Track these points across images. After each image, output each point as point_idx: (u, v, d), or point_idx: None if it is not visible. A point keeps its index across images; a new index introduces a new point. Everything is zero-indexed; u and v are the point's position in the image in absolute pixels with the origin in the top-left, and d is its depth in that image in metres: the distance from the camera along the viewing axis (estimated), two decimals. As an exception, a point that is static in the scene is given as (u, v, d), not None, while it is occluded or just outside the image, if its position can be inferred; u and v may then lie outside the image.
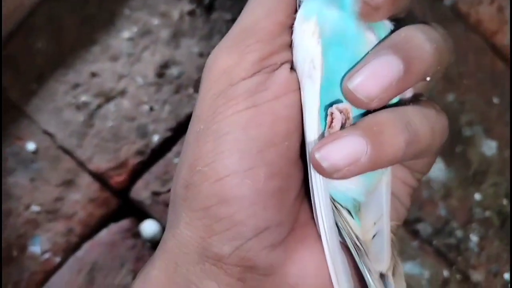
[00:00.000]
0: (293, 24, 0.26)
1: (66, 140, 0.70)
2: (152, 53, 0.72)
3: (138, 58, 0.72)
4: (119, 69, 0.72)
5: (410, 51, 0.24)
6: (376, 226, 0.27)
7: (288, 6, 0.26)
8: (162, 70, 0.72)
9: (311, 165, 0.25)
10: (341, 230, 0.27)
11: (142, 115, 0.71)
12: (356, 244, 0.26)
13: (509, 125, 0.74)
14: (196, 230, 0.25)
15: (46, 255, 0.68)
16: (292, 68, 0.26)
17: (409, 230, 0.71)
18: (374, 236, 0.27)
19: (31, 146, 0.70)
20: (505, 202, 0.73)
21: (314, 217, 0.26)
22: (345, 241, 0.27)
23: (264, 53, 0.26)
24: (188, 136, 0.26)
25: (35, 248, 0.68)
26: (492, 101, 0.75)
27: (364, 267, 0.26)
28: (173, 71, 0.72)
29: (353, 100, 0.24)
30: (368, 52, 0.25)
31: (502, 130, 0.74)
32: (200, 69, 0.73)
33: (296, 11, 0.26)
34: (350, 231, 0.27)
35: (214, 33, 0.74)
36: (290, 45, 0.26)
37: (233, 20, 0.75)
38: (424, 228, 0.71)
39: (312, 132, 0.25)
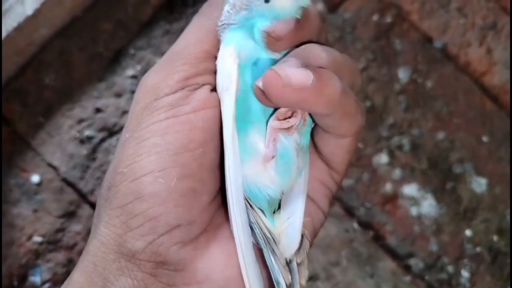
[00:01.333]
0: (217, 53, 0.29)
1: (70, 172, 0.71)
2: (155, 90, 0.74)
3: (141, 94, 0.74)
4: (123, 105, 0.73)
5: (309, 57, 0.28)
6: (289, 220, 0.29)
7: (215, 39, 0.29)
8: (163, 106, 0.74)
9: (228, 165, 0.28)
10: (253, 226, 0.28)
11: (143, 149, 0.72)
12: (266, 234, 0.28)
13: (498, 163, 0.75)
14: (114, 228, 0.27)
15: (46, 286, 0.68)
16: (213, 90, 0.29)
17: (401, 265, 0.71)
18: (286, 228, 0.29)
19: (35, 178, 0.70)
20: (495, 238, 0.72)
21: (229, 216, 0.28)
22: (258, 238, 0.28)
23: (188, 73, 0.28)
24: (117, 146, 0.28)
25: (35, 279, 0.67)
26: (481, 139, 0.75)
27: (269, 254, 0.28)
28: (174, 107, 0.74)
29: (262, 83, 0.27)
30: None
31: (492, 167, 0.74)
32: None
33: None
34: (263, 226, 0.28)
35: (214, 72, 0.75)
36: (214, 71, 0.29)
37: (232, 60, 0.77)
38: (416, 263, 0.71)
39: (228, 137, 0.28)
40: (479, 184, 0.73)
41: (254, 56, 0.29)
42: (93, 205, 0.70)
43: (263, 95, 0.27)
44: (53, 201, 0.70)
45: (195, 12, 0.76)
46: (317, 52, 0.28)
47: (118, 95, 0.73)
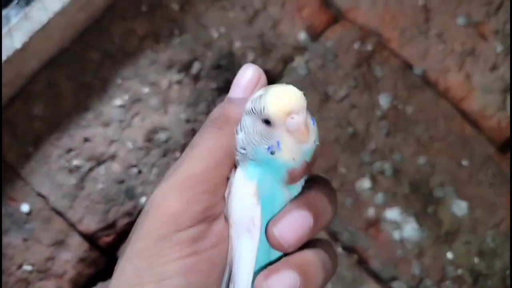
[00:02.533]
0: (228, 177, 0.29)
1: (59, 202, 0.71)
2: (142, 119, 0.75)
3: (128, 124, 0.75)
4: (111, 134, 0.74)
5: (318, 208, 0.30)
6: None
7: (232, 162, 0.29)
8: (151, 135, 0.74)
9: None
10: None
11: (131, 178, 0.73)
12: None
13: (478, 186, 0.76)
14: None
15: (35, 314, 0.68)
16: (225, 218, 0.29)
17: (384, 289, 0.72)
18: None
19: (25, 207, 0.71)
20: (476, 260, 0.73)
21: None
22: None
23: (209, 204, 0.28)
24: (124, 266, 0.28)
25: (25, 308, 0.68)
26: (461, 163, 0.76)
27: None
28: (161, 136, 0.75)
29: (276, 244, 0.29)
30: (286, 205, 0.30)
31: (472, 190, 0.76)
32: (187, 134, 0.76)
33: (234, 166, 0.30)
34: None
35: (200, 101, 0.76)
36: (224, 196, 0.29)
37: (218, 89, 0.78)
38: (399, 286, 0.72)
39: (243, 282, 0.28)
40: (460, 207, 0.75)
41: (272, 194, 0.29)
42: (81, 234, 0.70)
43: None
44: (43, 230, 0.71)
45: (182, 42, 0.77)
46: (325, 205, 0.30)
47: (106, 124, 0.74)
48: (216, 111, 0.31)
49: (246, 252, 0.28)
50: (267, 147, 0.28)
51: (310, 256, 0.29)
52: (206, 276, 0.27)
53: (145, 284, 0.27)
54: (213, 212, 0.28)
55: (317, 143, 0.29)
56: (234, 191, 0.29)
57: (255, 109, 0.29)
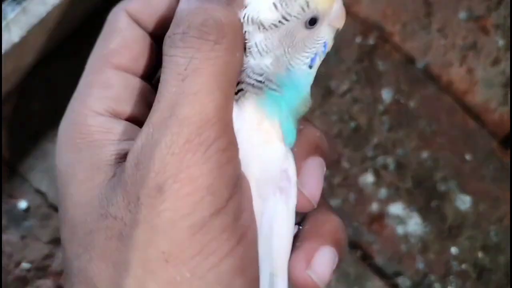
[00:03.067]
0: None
1: (57, 198, 0.70)
2: (142, 114, 0.74)
3: (128, 119, 0.74)
4: (110, 130, 0.73)
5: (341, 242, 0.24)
6: None
7: (232, 98, 0.21)
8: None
9: None
10: None
11: (131, 174, 0.71)
12: None
13: (482, 180, 0.75)
14: None
15: (34, 313, 0.67)
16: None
17: (389, 284, 0.71)
18: None
19: (23, 204, 0.70)
20: (480, 255, 0.73)
21: None
22: None
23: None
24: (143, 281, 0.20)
25: (24, 306, 0.67)
26: (464, 157, 0.76)
27: None
28: (161, 131, 0.73)
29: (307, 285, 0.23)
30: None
31: (476, 185, 0.75)
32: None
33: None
34: None
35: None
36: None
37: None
38: (403, 282, 0.71)
39: (281, 263, 0.22)
40: (463, 202, 0.74)
41: (290, 137, 0.23)
42: (81, 231, 0.69)
43: None
44: (41, 227, 0.69)
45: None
46: (344, 237, 0.25)
47: (105, 119, 0.73)
48: (192, 14, 0.21)
49: (281, 218, 0.21)
50: (309, 59, 0.23)
51: (333, 219, 0.24)
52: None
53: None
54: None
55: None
56: (250, 137, 0.21)
57: (290, 15, 0.22)
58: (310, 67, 0.24)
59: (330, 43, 0.25)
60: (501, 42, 0.80)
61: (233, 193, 0.21)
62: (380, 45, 0.78)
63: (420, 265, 0.71)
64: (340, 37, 0.78)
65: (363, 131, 0.75)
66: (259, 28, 0.22)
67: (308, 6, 0.22)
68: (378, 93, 0.77)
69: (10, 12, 0.71)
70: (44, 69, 0.74)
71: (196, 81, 0.21)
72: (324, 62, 0.80)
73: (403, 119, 0.76)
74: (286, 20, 0.22)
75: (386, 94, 0.77)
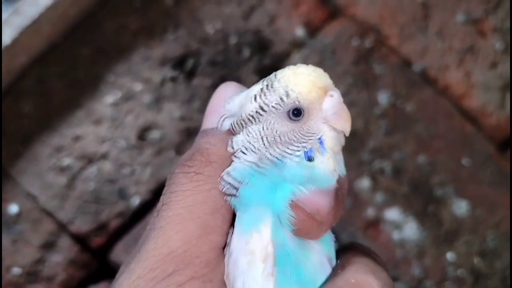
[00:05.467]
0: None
1: (49, 202, 0.69)
2: (135, 117, 0.72)
3: (121, 122, 0.72)
4: (103, 133, 0.72)
5: None
6: None
7: (225, 220, 0.19)
8: (144, 134, 0.72)
9: None
10: None
11: (123, 178, 0.70)
12: None
13: (478, 185, 0.74)
14: None
15: (25, 319, 0.65)
16: None
17: (384, 290, 0.70)
18: None
19: (14, 208, 0.68)
20: (476, 260, 0.72)
21: None
22: None
23: None
24: None
25: (14, 312, 0.65)
26: (461, 162, 0.75)
27: None
28: (155, 134, 0.72)
29: None
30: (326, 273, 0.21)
31: (473, 190, 0.74)
32: (181, 132, 0.73)
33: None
34: None
35: (195, 98, 0.74)
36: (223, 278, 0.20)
37: (213, 86, 0.76)
38: (399, 287, 0.70)
39: None
40: (460, 207, 0.73)
41: (297, 250, 0.20)
42: (72, 235, 0.68)
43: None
44: (32, 231, 0.68)
45: (176, 38, 0.75)
46: None
47: (98, 122, 0.72)
48: (187, 153, 0.21)
49: None
50: (300, 152, 0.20)
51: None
52: None
53: None
54: None
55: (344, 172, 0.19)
56: (237, 259, 0.19)
57: (268, 105, 0.20)
58: (310, 159, 0.20)
59: (330, 141, 0.20)
60: (498, 45, 0.79)
61: None
62: (377, 48, 0.77)
63: (416, 270, 0.70)
64: (336, 40, 0.77)
65: (360, 135, 0.74)
66: (242, 125, 0.21)
67: (287, 96, 0.20)
68: (375, 96, 0.75)
69: (3, 12, 0.70)
70: (37, 71, 0.73)
71: (164, 215, 0.20)
72: (319, 65, 0.79)
73: (399, 123, 0.75)
74: (264, 110, 0.20)
75: (383, 98, 0.76)
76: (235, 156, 0.21)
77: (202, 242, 0.19)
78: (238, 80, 0.73)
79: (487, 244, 0.72)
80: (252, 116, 0.20)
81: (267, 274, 0.19)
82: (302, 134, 0.20)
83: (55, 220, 0.68)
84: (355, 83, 0.76)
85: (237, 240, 0.20)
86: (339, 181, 0.21)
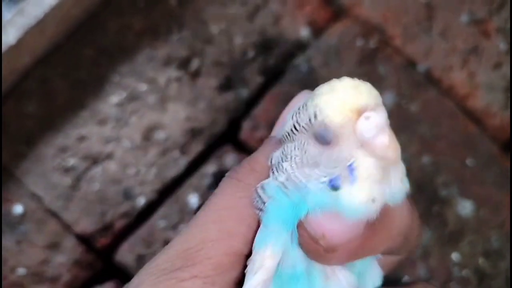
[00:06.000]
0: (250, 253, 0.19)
1: (53, 203, 0.69)
2: (140, 117, 0.72)
3: (126, 122, 0.72)
4: (107, 133, 0.72)
5: None
6: None
7: (252, 227, 0.19)
8: (149, 134, 0.72)
9: None
10: None
11: (128, 178, 0.70)
12: None
13: (483, 185, 0.74)
14: None
15: (30, 319, 0.65)
16: None
17: (389, 291, 0.70)
18: None
19: (18, 208, 0.68)
20: (481, 261, 0.72)
21: None
22: None
23: None
24: None
25: (19, 313, 0.65)
26: (465, 162, 0.75)
27: None
28: (160, 134, 0.72)
29: None
30: None
31: (477, 190, 0.74)
32: (186, 133, 0.73)
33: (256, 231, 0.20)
34: None
35: (200, 99, 0.74)
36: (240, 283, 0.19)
37: (218, 86, 0.76)
38: (404, 288, 0.70)
39: None
40: (464, 207, 0.73)
41: (295, 266, 0.19)
42: (77, 236, 0.68)
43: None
44: (37, 231, 0.68)
45: (180, 38, 0.75)
46: None
47: (103, 122, 0.72)
48: (245, 159, 0.21)
49: None
50: (326, 179, 0.18)
51: None
52: None
53: None
54: None
55: (407, 187, 0.17)
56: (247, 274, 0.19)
57: (299, 125, 0.18)
58: (335, 188, 0.18)
59: (365, 169, 0.18)
60: (502, 46, 0.79)
61: None
62: (381, 48, 0.77)
63: (422, 271, 0.70)
64: (340, 40, 0.77)
65: (364, 135, 0.74)
66: (283, 141, 0.20)
67: (315, 117, 0.18)
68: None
69: (6, 14, 0.69)
70: (41, 71, 0.72)
71: (197, 214, 0.21)
72: (324, 65, 0.79)
73: (404, 123, 0.75)
74: (296, 130, 0.19)
75: (387, 98, 0.76)
76: (271, 171, 0.20)
77: (219, 245, 0.19)
78: (243, 80, 0.73)
79: (492, 244, 0.72)
80: (288, 134, 0.20)
81: (254, 285, 0.18)
82: (331, 159, 0.18)
83: (60, 220, 0.68)
84: (359, 83, 0.76)
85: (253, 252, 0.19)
86: (382, 211, 0.19)
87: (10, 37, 0.69)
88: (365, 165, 0.18)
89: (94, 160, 0.70)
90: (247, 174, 0.20)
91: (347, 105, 0.18)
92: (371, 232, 0.19)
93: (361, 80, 0.19)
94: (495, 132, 0.76)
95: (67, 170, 0.70)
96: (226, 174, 0.21)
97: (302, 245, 0.19)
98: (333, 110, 0.18)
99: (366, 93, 0.19)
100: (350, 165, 0.18)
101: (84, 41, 0.74)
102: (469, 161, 0.75)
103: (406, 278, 0.70)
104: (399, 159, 0.18)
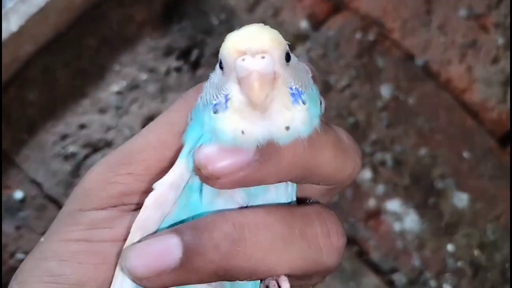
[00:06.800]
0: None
1: (53, 189, 0.69)
2: (140, 106, 0.73)
3: (126, 110, 0.73)
4: (107, 121, 0.72)
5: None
6: None
7: (181, 135, 0.22)
8: (148, 123, 0.72)
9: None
10: None
11: (128, 166, 0.71)
12: None
13: (479, 178, 0.75)
14: None
15: (28, 303, 0.66)
16: None
17: (384, 281, 0.70)
18: None
19: (18, 194, 0.69)
20: (476, 252, 0.72)
21: None
22: None
23: (129, 188, 0.23)
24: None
25: (17, 297, 0.66)
26: (462, 155, 0.75)
27: None
28: (159, 123, 0.73)
29: None
30: None
31: (473, 183, 0.74)
32: (185, 122, 0.74)
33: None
34: None
35: (199, 88, 0.74)
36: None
37: (217, 77, 0.76)
38: (399, 279, 0.70)
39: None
40: (460, 199, 0.73)
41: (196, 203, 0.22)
42: (77, 222, 0.68)
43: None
44: (37, 218, 0.68)
45: (181, 29, 0.76)
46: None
47: (103, 111, 0.72)
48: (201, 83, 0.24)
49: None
50: (214, 102, 0.20)
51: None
52: (85, 271, 0.22)
53: (29, 260, 0.23)
54: (132, 201, 0.22)
55: (306, 132, 0.20)
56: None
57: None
58: (215, 112, 0.21)
59: (237, 103, 0.20)
60: (500, 41, 0.79)
61: (104, 207, 0.23)
62: (380, 41, 0.78)
63: (416, 261, 0.71)
64: (339, 33, 0.78)
65: (362, 127, 0.74)
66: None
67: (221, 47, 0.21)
68: (377, 89, 0.76)
69: (9, 1, 0.70)
70: (43, 59, 0.73)
71: (149, 124, 0.25)
72: (323, 57, 0.79)
73: (401, 115, 0.75)
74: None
75: (385, 91, 0.76)
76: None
77: (155, 152, 0.23)
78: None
79: (487, 236, 0.73)
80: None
81: (161, 183, 0.22)
82: (220, 86, 0.21)
83: (59, 206, 0.69)
84: (358, 76, 0.76)
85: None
86: (267, 147, 0.21)
87: (12, 25, 0.69)
88: (235, 99, 0.20)
89: (94, 147, 0.71)
90: (194, 96, 0.23)
91: (235, 44, 0.20)
92: (256, 164, 0.21)
93: (270, 28, 0.21)
94: (492, 125, 0.76)
95: (67, 157, 0.70)
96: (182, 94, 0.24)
97: (198, 172, 0.22)
98: (226, 45, 0.21)
99: (259, 39, 0.20)
100: (226, 95, 0.20)
101: (87, 31, 0.75)
102: (466, 154, 0.75)
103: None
104: (275, 113, 0.20)
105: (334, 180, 0.23)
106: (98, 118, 0.72)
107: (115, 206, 0.23)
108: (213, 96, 0.21)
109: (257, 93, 0.20)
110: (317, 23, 0.78)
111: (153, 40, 0.75)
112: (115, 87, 0.73)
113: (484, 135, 0.76)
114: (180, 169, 0.22)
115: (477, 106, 0.77)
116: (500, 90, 0.78)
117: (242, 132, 0.20)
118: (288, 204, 0.23)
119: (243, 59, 0.20)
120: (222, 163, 0.21)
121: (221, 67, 0.21)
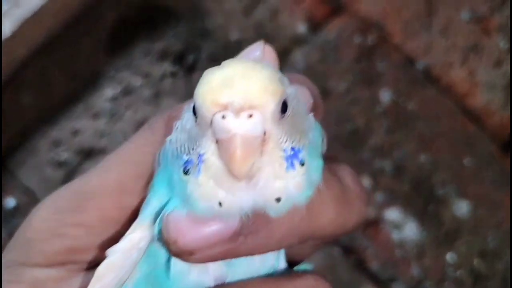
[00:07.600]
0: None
1: (46, 196, 0.68)
2: (134, 111, 0.72)
3: (120, 116, 0.71)
4: (101, 127, 0.71)
5: None
6: None
7: (144, 178, 0.18)
8: (143, 128, 0.71)
9: None
10: None
11: (122, 172, 0.70)
12: None
13: (480, 185, 0.73)
14: None
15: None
16: None
17: (382, 290, 0.69)
18: None
19: (11, 202, 0.68)
20: (476, 261, 0.71)
21: None
22: None
23: (79, 244, 0.19)
24: None
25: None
26: (463, 161, 0.74)
27: None
28: (154, 129, 0.72)
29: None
30: None
31: (474, 190, 0.73)
32: (181, 127, 0.73)
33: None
34: None
35: (195, 94, 0.73)
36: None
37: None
38: (398, 288, 0.69)
39: None
40: (461, 207, 0.72)
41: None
42: (70, 230, 0.67)
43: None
44: (30, 225, 0.67)
45: (176, 33, 0.74)
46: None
47: (97, 116, 0.71)
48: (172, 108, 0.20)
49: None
50: (185, 158, 0.15)
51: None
52: None
53: None
54: (81, 258, 0.19)
55: (303, 199, 0.16)
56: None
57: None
58: (185, 172, 0.15)
59: (212, 168, 0.15)
60: (503, 44, 0.77)
61: (49, 264, 0.19)
62: (380, 45, 0.76)
63: (416, 270, 0.69)
64: (338, 36, 0.76)
65: (361, 133, 0.73)
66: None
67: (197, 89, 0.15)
68: (377, 94, 0.74)
69: (3, 3, 0.69)
70: (36, 63, 0.72)
71: (109, 157, 0.21)
72: (321, 61, 0.78)
73: (401, 121, 0.74)
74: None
75: (385, 95, 0.75)
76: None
77: (111, 198, 0.18)
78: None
79: (488, 245, 0.71)
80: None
81: (115, 250, 0.18)
82: (194, 139, 0.16)
83: (52, 214, 0.68)
84: (357, 80, 0.75)
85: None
86: (255, 218, 0.16)
87: (6, 29, 0.68)
88: (211, 164, 0.15)
89: (87, 154, 0.70)
90: (162, 128, 0.18)
91: (213, 93, 0.15)
92: (240, 238, 0.16)
93: (263, 69, 0.15)
94: (495, 131, 0.75)
95: (60, 164, 0.69)
96: (148, 121, 0.19)
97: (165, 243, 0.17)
98: (200, 92, 0.15)
99: (245, 90, 0.15)
100: (200, 155, 0.15)
101: (81, 34, 0.73)
102: (467, 160, 0.74)
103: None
104: (253, 177, 0.15)
105: (334, 237, 0.20)
106: (91, 124, 0.71)
107: (62, 264, 0.19)
108: (183, 148, 0.16)
109: (240, 163, 0.15)
110: (315, 26, 0.76)
111: (148, 44, 0.74)
112: (109, 92, 0.72)
113: (486, 141, 0.74)
114: (141, 232, 0.17)
115: (479, 111, 0.75)
116: (502, 94, 0.76)
117: (220, 204, 0.15)
118: (276, 273, 0.19)
119: (223, 116, 0.15)
120: (196, 235, 0.16)
121: (195, 114, 0.16)
